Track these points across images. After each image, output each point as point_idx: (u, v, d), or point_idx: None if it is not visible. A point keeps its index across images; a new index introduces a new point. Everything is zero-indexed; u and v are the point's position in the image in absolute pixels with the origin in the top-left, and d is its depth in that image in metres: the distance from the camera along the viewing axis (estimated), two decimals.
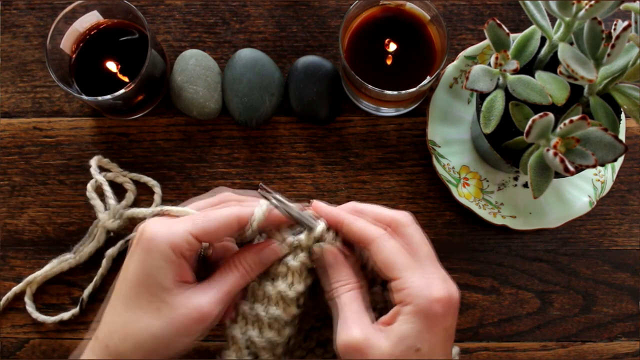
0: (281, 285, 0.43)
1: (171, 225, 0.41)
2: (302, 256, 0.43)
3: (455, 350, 0.50)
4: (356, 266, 0.44)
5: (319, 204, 0.45)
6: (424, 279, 0.40)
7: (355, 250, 0.45)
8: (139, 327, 0.40)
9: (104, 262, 0.60)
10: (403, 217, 0.43)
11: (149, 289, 0.40)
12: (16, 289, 0.60)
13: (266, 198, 0.44)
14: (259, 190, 0.44)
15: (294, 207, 0.44)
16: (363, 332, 0.39)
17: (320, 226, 0.43)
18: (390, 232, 0.42)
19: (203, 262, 0.46)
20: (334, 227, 0.44)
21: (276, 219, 0.44)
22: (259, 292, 0.44)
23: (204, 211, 0.44)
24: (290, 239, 0.43)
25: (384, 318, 0.41)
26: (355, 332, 0.39)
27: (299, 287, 0.43)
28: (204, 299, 0.41)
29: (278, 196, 0.44)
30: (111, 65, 0.60)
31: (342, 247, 0.44)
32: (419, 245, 0.42)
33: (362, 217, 0.44)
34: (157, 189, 0.61)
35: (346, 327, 0.40)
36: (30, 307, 0.59)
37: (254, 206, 0.43)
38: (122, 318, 0.41)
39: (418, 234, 0.43)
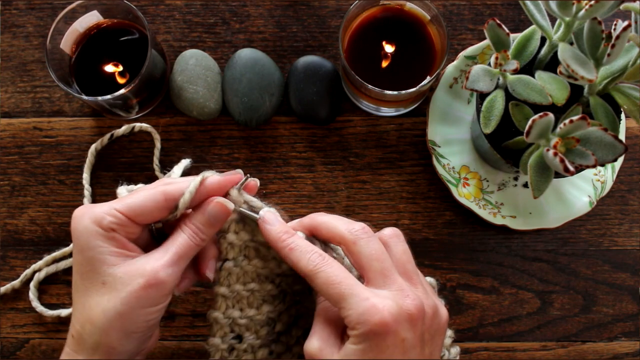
0: (255, 260, 0.45)
1: (94, 206, 0.42)
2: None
3: (456, 350, 0.50)
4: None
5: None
6: (362, 305, 0.39)
7: (337, 254, 0.45)
8: (91, 306, 0.40)
9: None
10: (349, 235, 0.42)
11: (90, 268, 0.41)
12: (35, 266, 0.60)
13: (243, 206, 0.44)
14: (231, 193, 0.44)
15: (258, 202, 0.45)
16: (320, 344, 0.41)
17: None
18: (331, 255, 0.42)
19: (161, 239, 0.45)
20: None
21: (211, 192, 0.44)
22: (236, 271, 0.45)
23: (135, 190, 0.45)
24: (233, 191, 0.44)
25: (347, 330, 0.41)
26: (314, 342, 0.41)
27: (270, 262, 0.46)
28: (150, 263, 0.41)
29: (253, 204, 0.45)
30: (111, 66, 0.59)
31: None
32: (367, 262, 0.41)
33: (317, 232, 0.44)
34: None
35: (310, 336, 0.42)
36: (32, 294, 0.60)
37: (183, 185, 0.43)
38: (77, 304, 0.42)
39: (366, 249, 0.42)
